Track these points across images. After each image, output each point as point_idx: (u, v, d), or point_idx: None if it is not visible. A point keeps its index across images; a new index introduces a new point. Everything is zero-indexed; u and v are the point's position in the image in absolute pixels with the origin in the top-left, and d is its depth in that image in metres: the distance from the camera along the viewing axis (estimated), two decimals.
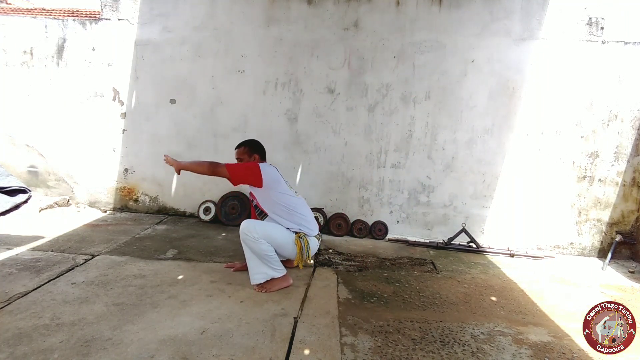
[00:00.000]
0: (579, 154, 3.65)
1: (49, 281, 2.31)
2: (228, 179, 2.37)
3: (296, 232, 2.43)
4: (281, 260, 2.47)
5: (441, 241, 3.70)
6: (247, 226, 2.31)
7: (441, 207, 3.86)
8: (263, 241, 2.30)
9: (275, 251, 2.39)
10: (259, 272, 2.37)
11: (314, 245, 2.50)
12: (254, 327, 1.94)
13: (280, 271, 2.41)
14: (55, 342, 1.70)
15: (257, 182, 2.38)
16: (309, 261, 2.52)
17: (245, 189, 4.00)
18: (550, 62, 3.58)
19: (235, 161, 2.55)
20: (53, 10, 4.21)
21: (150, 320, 1.95)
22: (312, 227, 2.50)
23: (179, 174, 2.48)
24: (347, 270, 2.86)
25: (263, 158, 2.59)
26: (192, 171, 2.47)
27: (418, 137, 3.81)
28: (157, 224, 3.77)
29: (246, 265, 2.43)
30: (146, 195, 4.15)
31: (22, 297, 2.10)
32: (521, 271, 3.16)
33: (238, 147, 2.59)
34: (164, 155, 2.52)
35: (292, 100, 3.90)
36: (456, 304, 2.42)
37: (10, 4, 5.14)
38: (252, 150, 2.55)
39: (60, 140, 4.11)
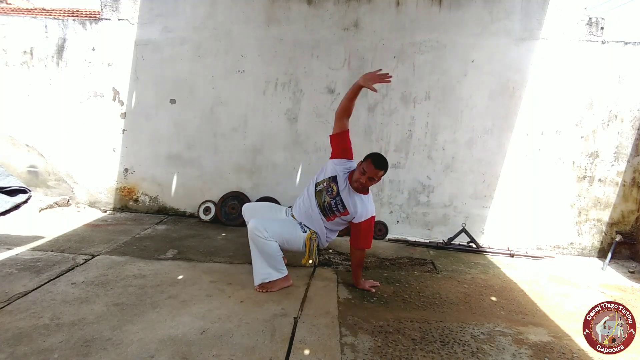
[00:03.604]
0: (579, 154, 3.65)
1: (49, 281, 2.31)
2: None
3: (310, 231, 2.43)
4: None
5: (441, 241, 3.70)
6: (258, 226, 2.29)
7: (441, 207, 3.86)
8: (273, 241, 2.31)
9: (281, 247, 2.38)
10: (263, 273, 2.37)
11: (320, 235, 2.52)
12: (254, 327, 1.94)
13: (283, 272, 2.42)
14: (55, 342, 1.70)
15: (348, 155, 2.50)
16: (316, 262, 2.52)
17: (245, 188, 4.02)
18: (550, 62, 3.58)
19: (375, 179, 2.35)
20: (53, 10, 4.23)
21: (150, 320, 1.95)
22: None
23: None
24: (347, 270, 2.86)
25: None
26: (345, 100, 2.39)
27: (418, 137, 3.81)
28: (157, 224, 3.77)
29: (274, 283, 2.40)
30: (146, 195, 4.15)
31: (22, 297, 2.10)
32: (521, 271, 3.16)
33: (383, 169, 2.31)
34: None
35: (292, 100, 3.90)
36: (456, 304, 2.42)
37: (10, 4, 5.15)
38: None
39: (60, 140, 4.10)
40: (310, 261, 2.44)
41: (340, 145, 2.47)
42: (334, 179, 2.39)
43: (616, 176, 3.64)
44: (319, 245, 2.51)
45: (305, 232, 2.44)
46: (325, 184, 2.42)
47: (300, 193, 2.60)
